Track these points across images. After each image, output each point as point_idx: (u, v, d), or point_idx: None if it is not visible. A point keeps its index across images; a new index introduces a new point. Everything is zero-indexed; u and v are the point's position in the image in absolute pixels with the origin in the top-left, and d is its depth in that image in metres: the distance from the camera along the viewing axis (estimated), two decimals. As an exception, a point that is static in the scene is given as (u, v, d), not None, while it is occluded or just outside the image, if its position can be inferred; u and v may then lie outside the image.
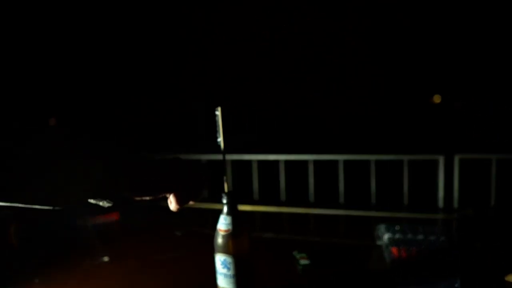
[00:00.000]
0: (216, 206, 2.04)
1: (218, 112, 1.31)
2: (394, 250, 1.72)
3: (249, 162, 3.08)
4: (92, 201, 1.02)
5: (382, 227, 2.04)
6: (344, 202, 2.85)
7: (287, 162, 3.00)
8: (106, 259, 1.89)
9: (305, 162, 2.96)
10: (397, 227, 1.98)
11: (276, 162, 3.02)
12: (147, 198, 1.05)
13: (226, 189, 1.31)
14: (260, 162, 3.06)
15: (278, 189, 3.00)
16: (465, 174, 2.59)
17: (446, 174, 2.56)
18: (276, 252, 1.87)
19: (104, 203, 1.01)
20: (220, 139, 1.32)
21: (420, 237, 1.86)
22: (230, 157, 3.02)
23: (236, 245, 1.28)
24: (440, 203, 2.59)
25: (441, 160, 2.59)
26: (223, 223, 1.28)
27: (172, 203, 1.11)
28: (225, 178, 1.32)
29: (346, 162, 2.87)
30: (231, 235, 1.27)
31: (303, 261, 1.65)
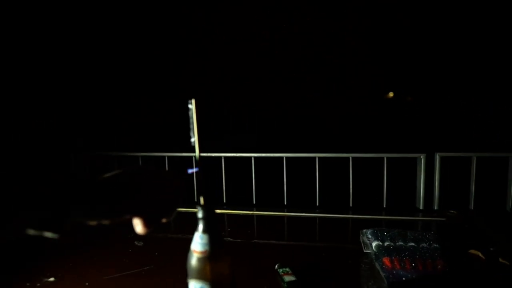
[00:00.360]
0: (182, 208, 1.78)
1: (192, 106, 1.06)
2: (386, 260, 1.55)
3: (219, 159, 2.83)
4: (32, 232, 0.75)
5: (368, 233, 1.87)
6: (320, 202, 2.68)
7: (260, 161, 2.78)
8: (51, 279, 1.59)
9: (280, 161, 2.75)
10: (385, 233, 1.82)
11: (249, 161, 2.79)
12: (105, 222, 0.80)
13: (202, 201, 1.06)
14: (232, 161, 2.81)
15: (250, 191, 2.78)
16: (445, 174, 2.50)
17: (427, 173, 2.46)
18: (256, 266, 1.65)
19: (49, 235, 0.75)
20: (194, 139, 1.06)
21: (411, 244, 1.71)
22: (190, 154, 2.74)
23: (215, 269, 1.04)
24: (421, 203, 2.48)
25: (422, 158, 2.48)
26: (198, 243, 1.03)
27: (138, 226, 0.87)
28: (200, 188, 1.07)
29: (323, 161, 2.69)
30: (208, 258, 1.02)
31: (288, 278, 1.44)
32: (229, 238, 2.04)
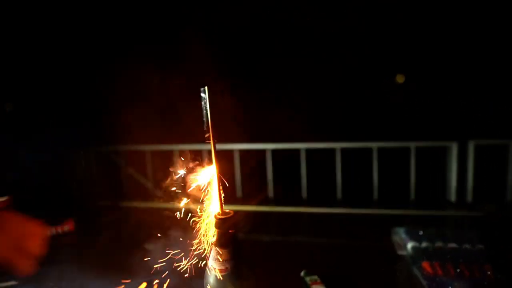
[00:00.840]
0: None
1: (205, 94, 0.88)
2: (426, 265, 1.37)
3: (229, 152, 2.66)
4: None
5: (401, 232, 1.69)
6: (342, 197, 2.49)
7: (275, 152, 2.60)
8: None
9: (297, 153, 2.57)
10: (420, 232, 1.64)
11: (263, 152, 2.62)
12: None
13: (220, 210, 0.89)
14: (244, 152, 2.64)
15: (266, 185, 2.61)
16: (478, 163, 2.29)
17: (460, 163, 2.26)
18: (278, 271, 1.48)
19: None
20: (210, 134, 0.89)
21: (452, 245, 1.52)
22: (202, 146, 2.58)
23: (237, 289, 0.88)
24: (453, 195, 2.28)
25: (454, 147, 2.27)
26: (217, 260, 0.86)
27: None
28: (218, 195, 0.90)
29: (344, 151, 2.50)
30: (229, 277, 0.86)
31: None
32: (246, 238, 1.89)
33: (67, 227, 1.98)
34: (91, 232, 2.06)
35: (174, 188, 0.97)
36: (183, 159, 0.95)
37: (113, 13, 2.82)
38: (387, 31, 2.94)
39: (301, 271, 1.37)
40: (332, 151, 2.53)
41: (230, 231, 0.85)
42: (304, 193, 2.57)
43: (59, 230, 1.95)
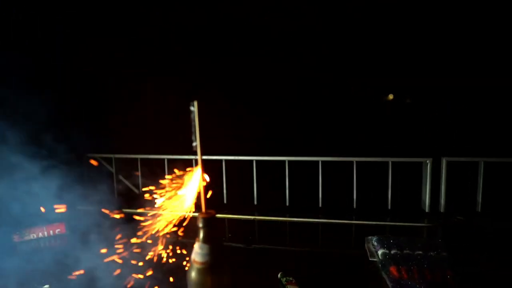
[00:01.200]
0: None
1: (194, 108, 1.01)
2: (393, 269, 1.49)
3: (219, 162, 2.78)
4: None
5: (374, 240, 1.82)
6: (322, 207, 2.61)
7: (261, 164, 2.73)
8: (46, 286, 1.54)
9: (282, 164, 2.69)
10: (391, 240, 1.77)
11: (250, 164, 2.74)
12: None
13: (203, 210, 1.01)
14: (232, 163, 2.76)
15: (251, 194, 2.72)
16: (450, 178, 2.44)
17: (433, 177, 2.40)
18: (257, 273, 1.59)
19: None
20: (197, 143, 1.01)
21: (419, 252, 1.65)
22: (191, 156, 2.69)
23: (216, 281, 0.99)
24: (426, 207, 2.42)
25: (429, 163, 2.42)
26: (199, 254, 0.98)
27: None
28: (201, 196, 1.02)
29: (326, 164, 2.64)
30: (209, 269, 0.97)
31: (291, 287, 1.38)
32: (230, 244, 1.99)
33: (59, 229, 2.06)
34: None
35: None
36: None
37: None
38: (367, 50, 3.11)
39: (278, 274, 1.48)
40: (315, 163, 2.67)
41: (211, 228, 0.97)
42: (286, 202, 2.69)
43: (51, 232, 2.04)
